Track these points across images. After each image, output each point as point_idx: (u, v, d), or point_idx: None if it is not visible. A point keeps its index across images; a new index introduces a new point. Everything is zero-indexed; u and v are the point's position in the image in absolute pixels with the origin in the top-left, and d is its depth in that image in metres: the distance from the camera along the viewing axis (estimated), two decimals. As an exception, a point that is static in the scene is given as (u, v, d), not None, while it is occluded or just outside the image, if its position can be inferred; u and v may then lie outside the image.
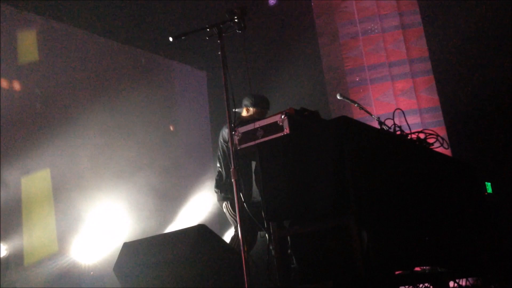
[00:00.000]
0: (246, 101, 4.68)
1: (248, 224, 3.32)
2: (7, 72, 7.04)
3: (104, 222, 7.41)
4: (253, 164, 4.34)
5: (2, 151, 6.68)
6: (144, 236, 4.09)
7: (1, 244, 5.97)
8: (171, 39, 3.38)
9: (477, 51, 7.54)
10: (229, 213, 4.56)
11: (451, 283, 4.06)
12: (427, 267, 3.84)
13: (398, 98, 8.15)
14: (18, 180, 6.76)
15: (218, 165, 4.67)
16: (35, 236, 6.68)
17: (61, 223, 7.05)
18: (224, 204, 4.58)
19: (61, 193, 7.17)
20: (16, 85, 7.15)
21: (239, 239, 4.34)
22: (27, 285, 6.31)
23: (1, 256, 5.88)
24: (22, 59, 7.25)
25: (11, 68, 7.09)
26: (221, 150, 4.64)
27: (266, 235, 3.57)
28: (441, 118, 7.89)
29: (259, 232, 4.41)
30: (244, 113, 4.70)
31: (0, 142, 6.54)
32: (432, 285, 3.43)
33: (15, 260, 6.31)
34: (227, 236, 5.22)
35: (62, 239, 7.02)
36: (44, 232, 6.84)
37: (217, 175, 4.66)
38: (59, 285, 6.65)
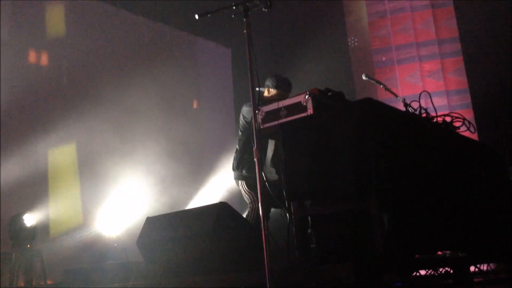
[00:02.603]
0: (268, 82, 4.66)
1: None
2: (35, 46, 7.14)
3: (127, 196, 7.53)
4: (269, 143, 4.29)
5: (29, 123, 6.81)
6: (166, 212, 4.15)
7: (29, 215, 6.13)
8: (197, 16, 3.37)
9: (509, 32, 7.33)
10: (244, 191, 4.56)
11: (472, 268, 4.04)
12: (448, 252, 3.82)
13: (425, 79, 8.01)
14: (45, 153, 6.90)
15: (237, 143, 4.67)
16: (61, 208, 6.84)
17: (86, 196, 7.20)
18: (239, 183, 4.56)
19: (86, 166, 7.30)
20: (44, 59, 7.26)
21: (253, 216, 4.40)
22: (53, 255, 6.49)
23: (28, 226, 6.05)
24: (49, 34, 7.34)
25: (39, 42, 7.19)
26: (240, 127, 4.62)
27: (287, 213, 3.59)
28: (469, 101, 7.75)
29: (279, 211, 4.43)
30: (266, 93, 4.68)
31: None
32: (452, 270, 3.41)
33: (42, 230, 6.49)
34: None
35: (87, 212, 7.18)
36: (69, 204, 7.01)
37: (235, 152, 4.63)
38: (84, 256, 6.82)
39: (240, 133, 4.63)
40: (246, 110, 4.53)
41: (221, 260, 3.31)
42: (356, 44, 8.53)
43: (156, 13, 8.61)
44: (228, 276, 3.21)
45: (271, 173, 4.05)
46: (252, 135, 3.00)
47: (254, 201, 4.44)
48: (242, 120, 4.57)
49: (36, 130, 6.81)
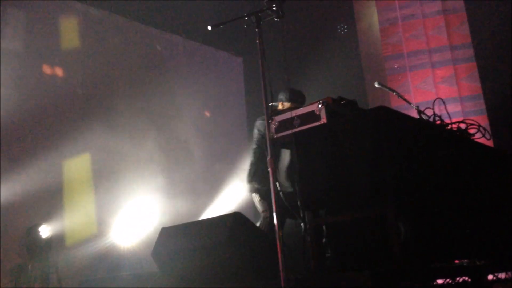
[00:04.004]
0: (281, 95, 4.65)
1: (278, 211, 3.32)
2: (50, 58, 7.22)
3: (142, 206, 7.56)
4: (282, 153, 4.29)
5: (44, 135, 6.88)
6: (181, 222, 4.16)
7: (45, 226, 6.17)
8: (209, 28, 3.39)
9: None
10: (257, 202, 4.59)
11: (490, 276, 3.98)
12: (466, 260, 3.78)
13: (438, 85, 7.95)
14: (60, 164, 6.96)
15: (252, 156, 4.67)
16: (76, 219, 6.88)
17: (101, 206, 7.24)
18: (253, 195, 4.60)
19: (101, 177, 7.35)
20: (58, 71, 7.34)
21: (265, 224, 4.41)
22: (68, 266, 6.52)
23: (44, 237, 6.09)
24: (63, 46, 7.43)
25: (54, 55, 7.28)
26: (255, 141, 4.62)
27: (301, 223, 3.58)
28: (483, 107, 7.67)
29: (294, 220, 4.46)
30: (280, 106, 4.68)
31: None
32: (470, 279, 3.37)
33: (57, 241, 6.53)
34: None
35: (101, 222, 7.22)
36: (84, 214, 7.05)
37: (249, 166, 4.65)
38: (99, 266, 6.84)
39: (254, 147, 4.63)
40: (260, 123, 4.54)
41: (236, 270, 3.31)
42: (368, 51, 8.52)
43: (168, 24, 8.69)
44: (243, 285, 3.20)
45: (284, 185, 4.05)
46: (266, 145, 3.01)
47: (266, 209, 4.46)
48: (256, 133, 4.58)
49: (50, 141, 6.88)
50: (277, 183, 3.08)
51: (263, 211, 4.54)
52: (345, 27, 9.11)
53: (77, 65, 7.49)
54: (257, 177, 4.47)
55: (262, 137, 4.48)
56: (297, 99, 4.64)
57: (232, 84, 9.96)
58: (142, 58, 8.36)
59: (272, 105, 4.21)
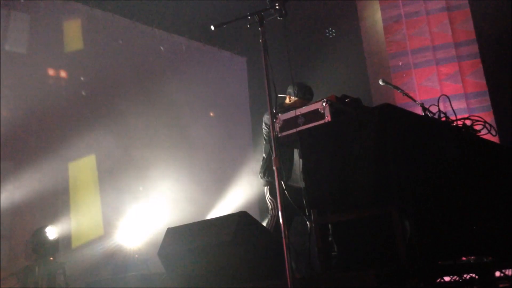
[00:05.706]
0: (290, 89, 4.65)
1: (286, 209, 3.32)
2: (54, 61, 7.25)
3: (148, 207, 7.57)
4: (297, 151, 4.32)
5: (49, 137, 6.90)
6: (186, 222, 4.17)
7: (51, 228, 6.20)
8: (213, 27, 3.39)
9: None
10: (267, 198, 4.58)
11: (497, 273, 3.97)
12: (472, 257, 3.76)
13: (443, 82, 7.93)
14: (65, 166, 6.98)
15: (263, 151, 4.70)
16: (82, 220, 6.91)
17: (107, 207, 7.26)
18: (265, 189, 4.60)
19: (107, 178, 7.37)
20: (62, 74, 7.37)
21: (272, 223, 4.40)
22: (75, 267, 6.54)
23: (51, 239, 6.11)
24: (67, 48, 7.46)
25: (57, 57, 7.30)
26: (264, 135, 4.65)
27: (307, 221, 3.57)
28: (489, 103, 7.64)
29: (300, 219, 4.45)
30: (287, 100, 4.68)
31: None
32: (477, 276, 3.35)
33: (64, 242, 6.55)
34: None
35: (107, 223, 7.24)
36: (90, 216, 7.07)
37: (262, 161, 4.68)
38: (105, 267, 6.86)
39: (264, 142, 4.65)
40: (267, 118, 4.55)
41: (242, 269, 3.31)
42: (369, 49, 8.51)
43: (171, 24, 8.70)
44: (249, 285, 3.20)
45: (299, 181, 4.04)
46: (271, 143, 3.01)
47: (274, 208, 4.45)
48: (265, 128, 4.60)
49: (55, 144, 6.90)
50: (282, 181, 3.07)
51: (271, 210, 4.54)
52: (333, 31, 9.10)
53: (80, 67, 7.52)
54: (269, 171, 4.46)
55: (269, 131, 4.49)
56: (305, 95, 4.63)
57: (236, 84, 9.96)
58: (146, 59, 8.37)
59: (279, 96, 4.21)
